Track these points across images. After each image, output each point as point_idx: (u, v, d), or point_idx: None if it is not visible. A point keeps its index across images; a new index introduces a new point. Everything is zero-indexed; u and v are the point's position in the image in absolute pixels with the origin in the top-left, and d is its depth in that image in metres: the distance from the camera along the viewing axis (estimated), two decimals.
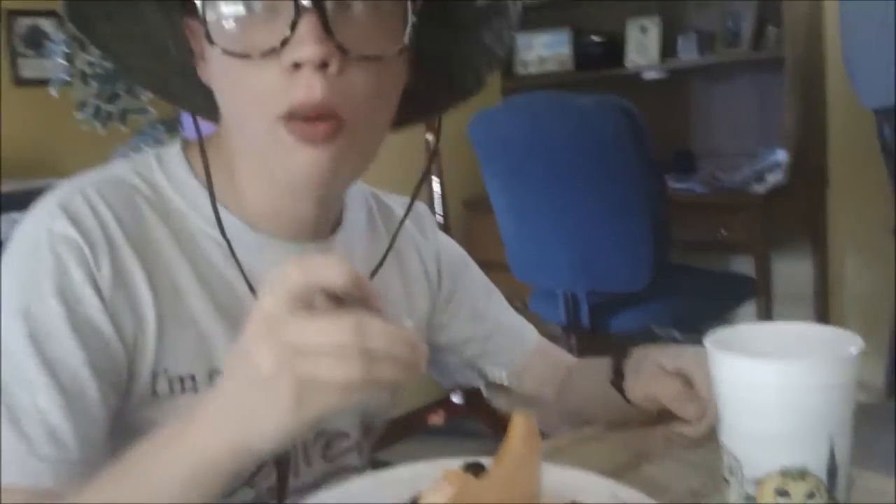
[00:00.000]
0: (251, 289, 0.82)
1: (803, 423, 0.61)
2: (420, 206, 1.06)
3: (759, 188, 3.00)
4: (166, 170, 0.85)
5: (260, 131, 0.74)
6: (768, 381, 0.62)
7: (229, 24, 0.72)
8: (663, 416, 0.87)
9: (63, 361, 0.73)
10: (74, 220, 0.77)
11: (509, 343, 1.08)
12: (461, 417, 3.37)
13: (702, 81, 3.60)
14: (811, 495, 0.61)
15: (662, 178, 2.58)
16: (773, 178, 3.06)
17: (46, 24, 7.03)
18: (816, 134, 3.19)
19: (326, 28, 0.69)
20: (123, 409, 0.79)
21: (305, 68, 0.70)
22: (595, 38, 3.74)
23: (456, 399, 3.39)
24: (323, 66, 0.70)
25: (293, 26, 0.69)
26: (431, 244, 1.04)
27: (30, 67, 6.92)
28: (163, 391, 0.80)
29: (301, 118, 0.71)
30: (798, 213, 3.18)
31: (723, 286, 2.88)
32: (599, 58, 3.70)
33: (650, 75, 3.60)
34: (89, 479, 0.69)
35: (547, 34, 3.87)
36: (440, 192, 3.30)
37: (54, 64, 3.77)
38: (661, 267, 2.53)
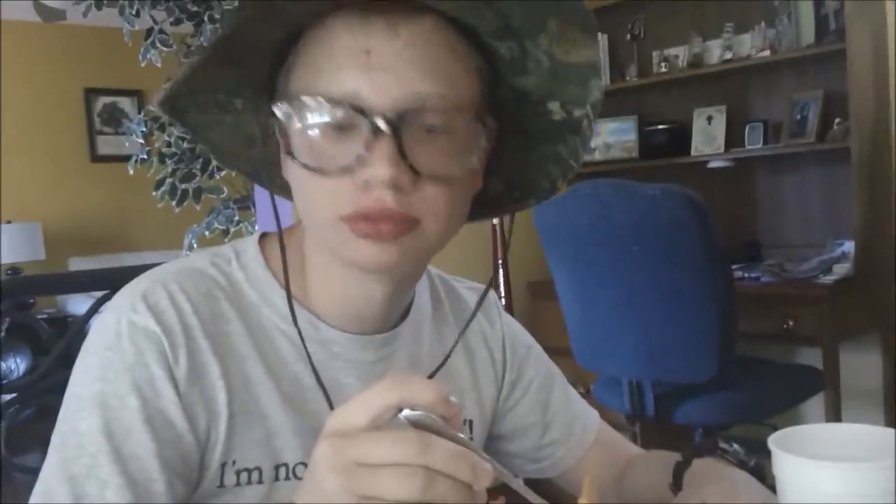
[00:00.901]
0: (320, 384, 0.84)
1: None
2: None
3: (827, 280, 2.97)
4: (242, 263, 0.87)
5: (325, 227, 0.78)
6: (831, 486, 0.63)
7: (307, 137, 0.75)
8: None
9: (135, 455, 0.75)
10: (155, 313, 0.79)
11: (570, 431, 1.08)
12: (522, 501, 3.32)
13: (768, 171, 3.60)
14: None
15: (729, 268, 2.57)
16: (841, 270, 3.03)
17: (125, 103, 7.33)
18: (884, 226, 3.16)
19: (401, 151, 0.72)
20: (191, 498, 0.80)
21: (377, 185, 0.73)
22: (661, 127, 3.78)
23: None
24: (394, 185, 0.73)
25: (368, 147, 0.72)
26: (497, 330, 1.05)
27: (107, 144, 7.19)
28: (229, 482, 0.81)
29: (362, 218, 0.74)
30: (866, 306, 3.13)
31: (790, 379, 2.83)
32: (665, 146, 3.74)
33: (716, 164, 3.62)
34: None
35: (614, 122, 3.92)
36: (504, 275, 3.33)
37: (132, 142, 3.93)
38: (728, 358, 2.50)
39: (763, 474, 0.89)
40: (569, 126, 0.85)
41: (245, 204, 3.73)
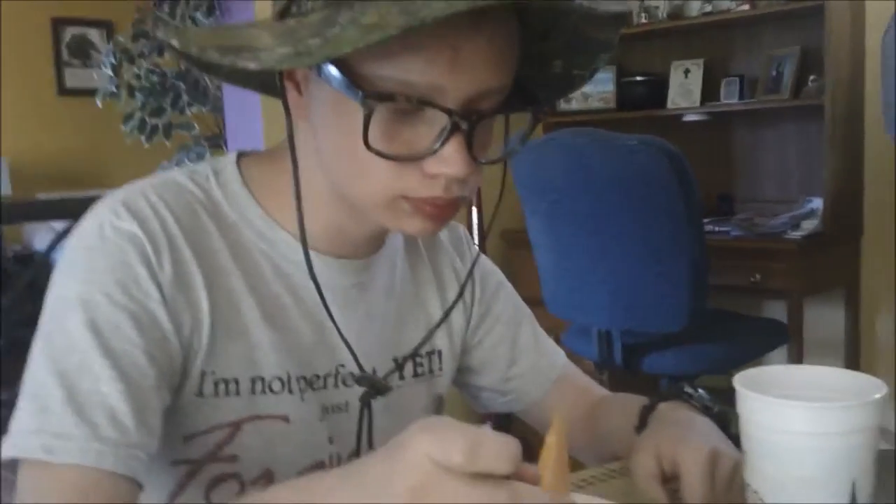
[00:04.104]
0: (326, 307, 0.86)
1: (827, 465, 0.63)
2: (459, 227, 1.10)
3: (795, 235, 3.01)
4: (221, 181, 0.88)
5: (379, 201, 0.79)
6: (795, 424, 0.64)
7: (376, 118, 0.74)
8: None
9: (124, 350, 0.76)
10: (138, 219, 0.80)
11: (536, 368, 1.10)
12: None
13: (744, 127, 3.61)
14: None
15: (701, 222, 2.60)
16: (810, 226, 3.06)
17: (94, 34, 7.14)
18: (853, 183, 3.19)
19: (470, 146, 0.74)
20: (171, 407, 0.82)
21: (443, 176, 0.76)
22: (639, 78, 3.78)
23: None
24: (464, 180, 0.76)
25: (443, 141, 0.74)
26: (468, 264, 1.07)
27: (75, 77, 7.02)
28: (208, 392, 0.83)
29: (430, 203, 0.78)
30: (833, 262, 3.17)
31: (755, 332, 2.87)
32: (642, 98, 3.74)
33: (691, 117, 3.63)
34: (145, 463, 0.74)
35: None
36: (478, 223, 3.32)
37: (101, 75, 3.85)
38: (698, 310, 2.53)
39: (727, 421, 0.91)
40: (563, 78, 0.87)
41: (217, 142, 3.68)
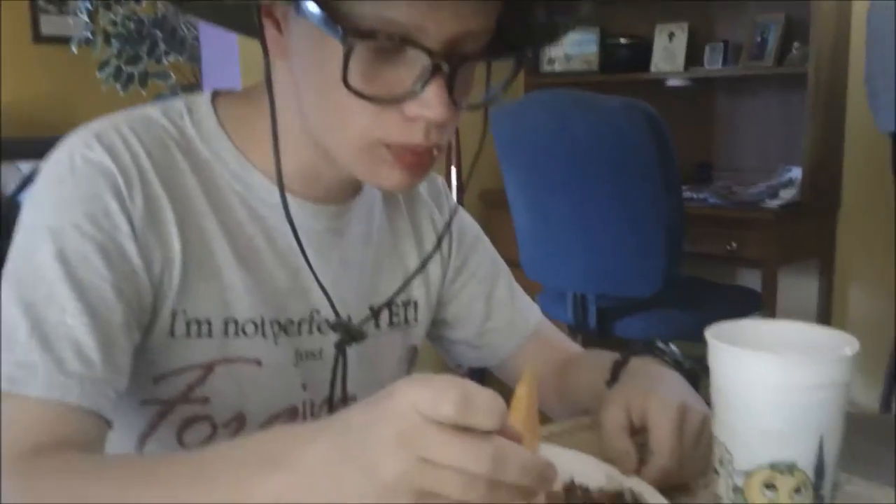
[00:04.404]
0: (302, 251, 0.85)
1: (796, 419, 0.62)
2: (438, 178, 1.09)
3: (772, 204, 3.01)
4: (195, 119, 0.87)
5: (359, 147, 0.77)
6: (764, 377, 0.63)
7: (354, 57, 0.72)
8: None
9: (92, 283, 0.75)
10: (110, 153, 0.79)
11: (511, 323, 1.10)
12: None
13: (726, 94, 3.60)
14: (797, 490, 0.63)
15: (679, 188, 2.59)
16: (788, 195, 3.07)
17: None
18: (833, 154, 3.19)
19: (451, 90, 0.73)
20: (141, 346, 0.81)
21: (423, 120, 0.74)
22: (623, 41, 3.75)
23: None
24: (443, 124, 0.75)
25: (424, 82, 0.72)
26: (446, 216, 1.06)
27: (50, 24, 6.90)
28: (180, 332, 0.82)
29: (409, 150, 0.76)
30: (809, 233, 3.18)
31: (729, 299, 2.89)
32: (625, 61, 3.71)
33: (674, 82, 3.61)
34: (113, 400, 0.73)
35: (575, 33, 3.85)
36: (457, 182, 3.31)
37: (77, 21, 3.79)
38: (672, 276, 2.54)
39: (697, 377, 0.90)
40: (545, 27, 0.86)
41: (193, 91, 3.63)
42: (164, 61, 3.66)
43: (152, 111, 0.86)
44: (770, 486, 0.63)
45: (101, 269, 0.76)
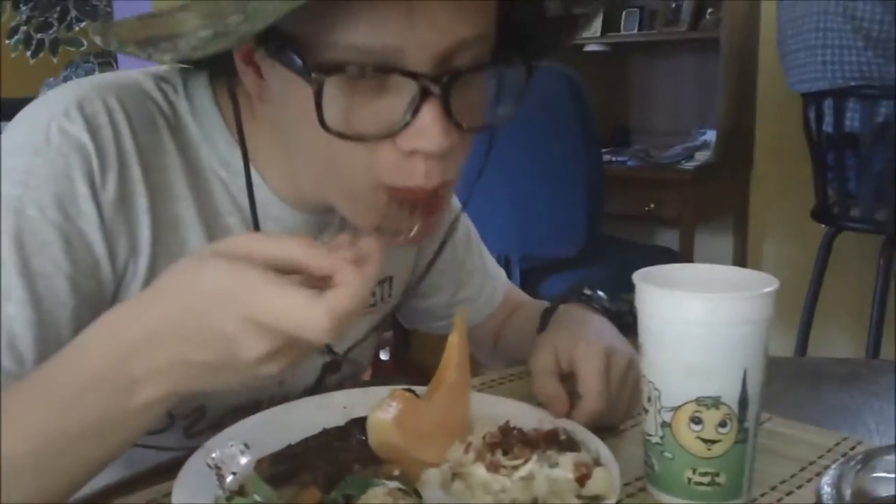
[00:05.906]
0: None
1: (720, 355, 0.65)
2: None
3: (689, 166, 3.08)
4: (189, 93, 0.80)
5: (358, 192, 0.71)
6: (690, 314, 0.65)
7: (332, 93, 0.64)
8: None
9: (44, 273, 0.70)
10: (90, 127, 0.72)
11: (481, 291, 1.10)
12: (388, 375, 3.39)
13: (642, 59, 3.66)
14: (722, 423, 0.65)
15: (599, 149, 2.63)
16: (702, 157, 3.15)
17: None
18: (746, 117, 3.28)
19: (448, 113, 0.64)
20: None
21: (422, 152, 0.66)
22: None
23: (383, 356, 3.41)
24: (444, 153, 0.66)
25: (415, 110, 0.64)
26: None
27: None
28: None
29: (409, 192, 0.69)
30: (723, 193, 3.27)
31: (648, 258, 2.95)
32: None
33: (592, 48, 3.64)
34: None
35: None
36: None
37: None
38: (594, 234, 2.59)
39: (624, 320, 0.93)
40: (564, 23, 0.78)
41: (106, 59, 3.54)
42: (76, 27, 3.55)
43: (146, 80, 0.79)
44: (696, 420, 0.66)
45: (58, 260, 0.70)
